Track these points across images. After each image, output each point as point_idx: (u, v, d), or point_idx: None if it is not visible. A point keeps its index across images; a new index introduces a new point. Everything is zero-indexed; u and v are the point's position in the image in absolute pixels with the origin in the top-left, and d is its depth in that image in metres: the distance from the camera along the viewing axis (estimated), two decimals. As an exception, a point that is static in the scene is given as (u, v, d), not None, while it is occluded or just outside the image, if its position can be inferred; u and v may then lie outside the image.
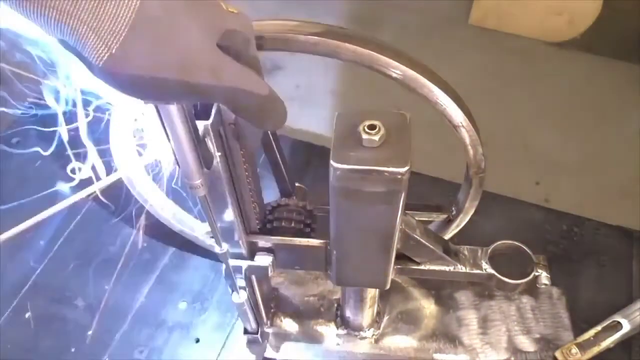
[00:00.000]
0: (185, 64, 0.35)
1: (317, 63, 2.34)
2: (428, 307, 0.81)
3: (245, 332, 0.74)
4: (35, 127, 0.76)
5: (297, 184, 0.68)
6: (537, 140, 2.05)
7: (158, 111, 0.42)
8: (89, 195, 0.76)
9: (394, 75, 0.49)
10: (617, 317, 0.74)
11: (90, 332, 0.83)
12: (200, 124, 0.45)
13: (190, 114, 0.43)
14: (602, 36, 2.28)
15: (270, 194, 0.67)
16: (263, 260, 0.62)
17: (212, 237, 0.56)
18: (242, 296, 0.65)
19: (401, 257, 0.62)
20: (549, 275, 0.71)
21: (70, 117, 0.63)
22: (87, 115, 0.62)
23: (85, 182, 1.03)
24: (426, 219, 0.66)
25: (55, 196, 1.01)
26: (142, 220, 0.74)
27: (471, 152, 0.54)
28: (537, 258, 0.63)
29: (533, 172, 1.97)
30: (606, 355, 0.74)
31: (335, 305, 0.81)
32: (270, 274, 0.64)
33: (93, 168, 0.69)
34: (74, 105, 0.60)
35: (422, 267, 0.63)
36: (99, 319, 0.85)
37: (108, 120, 0.70)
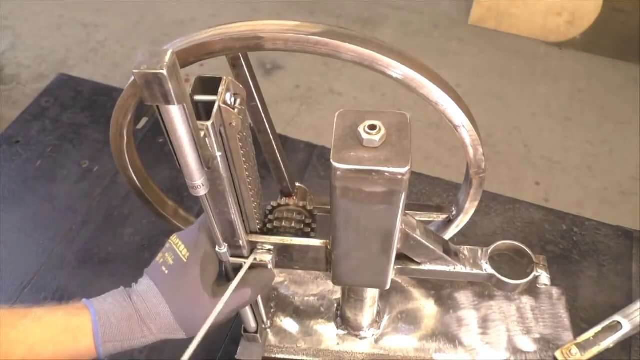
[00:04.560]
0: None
1: (317, 63, 2.35)
2: (428, 307, 0.81)
3: (245, 331, 0.74)
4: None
5: (297, 184, 0.68)
6: (537, 140, 2.05)
7: (159, 111, 0.42)
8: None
9: (395, 75, 0.49)
10: (617, 317, 0.73)
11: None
12: (201, 124, 0.45)
13: (191, 114, 0.43)
14: (602, 36, 2.28)
15: (270, 194, 0.67)
16: (263, 260, 0.62)
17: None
18: (242, 296, 0.65)
19: (401, 257, 0.62)
20: (549, 275, 0.71)
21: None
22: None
23: (91, 179, 1.03)
24: (426, 219, 0.66)
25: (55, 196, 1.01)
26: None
27: (471, 152, 0.54)
28: (537, 258, 0.63)
29: (533, 172, 1.97)
30: (606, 355, 0.74)
31: (335, 305, 0.81)
32: (270, 274, 0.64)
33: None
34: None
35: (422, 267, 0.63)
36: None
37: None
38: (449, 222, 0.66)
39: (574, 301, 0.86)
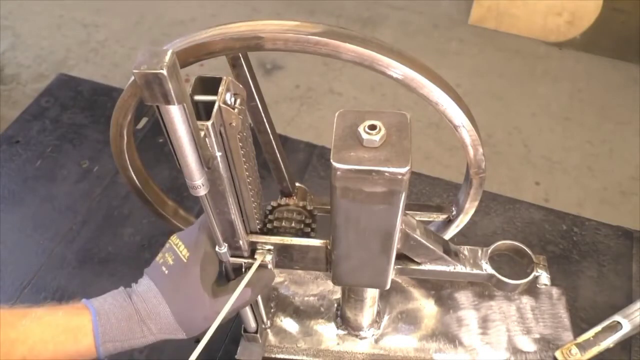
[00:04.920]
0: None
1: (317, 63, 2.35)
2: (428, 307, 0.81)
3: (245, 331, 0.74)
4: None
5: (297, 184, 0.68)
6: (537, 140, 2.05)
7: (159, 111, 0.42)
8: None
9: (395, 75, 0.49)
10: (617, 317, 0.73)
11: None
12: (201, 124, 0.45)
13: (191, 114, 0.43)
14: (602, 36, 2.28)
15: (270, 194, 0.67)
16: (263, 260, 0.62)
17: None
18: (242, 296, 0.65)
19: (401, 257, 0.62)
20: (549, 275, 0.71)
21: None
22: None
23: (91, 179, 1.03)
24: (426, 219, 0.66)
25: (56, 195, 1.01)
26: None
27: (471, 152, 0.54)
28: (537, 258, 0.63)
29: (533, 172, 1.97)
30: (606, 355, 0.74)
31: (335, 305, 0.81)
32: (270, 274, 0.64)
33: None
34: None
35: (422, 267, 0.63)
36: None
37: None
38: (449, 222, 0.66)
39: (574, 301, 0.86)
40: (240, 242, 0.60)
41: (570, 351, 0.74)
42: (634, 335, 0.74)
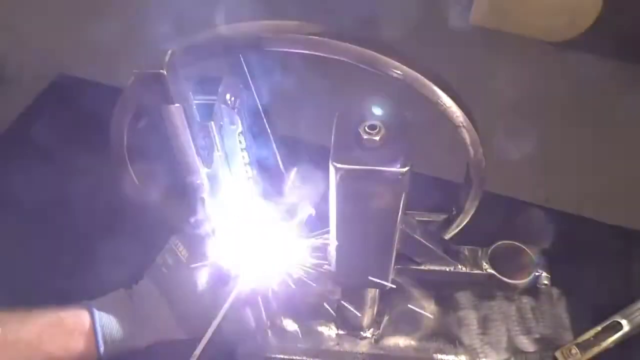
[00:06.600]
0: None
1: (317, 63, 2.34)
2: (428, 307, 0.81)
3: (245, 332, 0.74)
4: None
5: (296, 184, 0.68)
6: (537, 140, 2.04)
7: (159, 111, 0.42)
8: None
9: (395, 75, 0.49)
10: (617, 317, 0.73)
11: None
12: (201, 124, 0.46)
13: (191, 114, 0.43)
14: (602, 36, 2.27)
15: (270, 194, 0.67)
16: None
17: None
18: (242, 296, 0.65)
19: (401, 257, 0.62)
20: (549, 275, 0.71)
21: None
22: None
23: (91, 179, 1.03)
24: (426, 219, 0.66)
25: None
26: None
27: (471, 152, 0.54)
28: (537, 258, 0.63)
29: (533, 172, 1.97)
30: (606, 355, 0.74)
31: (335, 305, 0.81)
32: (270, 274, 0.64)
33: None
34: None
35: (422, 267, 0.63)
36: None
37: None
38: (449, 222, 0.66)
39: (574, 301, 0.86)
40: (240, 242, 0.60)
41: (570, 351, 0.74)
42: (634, 335, 0.74)
